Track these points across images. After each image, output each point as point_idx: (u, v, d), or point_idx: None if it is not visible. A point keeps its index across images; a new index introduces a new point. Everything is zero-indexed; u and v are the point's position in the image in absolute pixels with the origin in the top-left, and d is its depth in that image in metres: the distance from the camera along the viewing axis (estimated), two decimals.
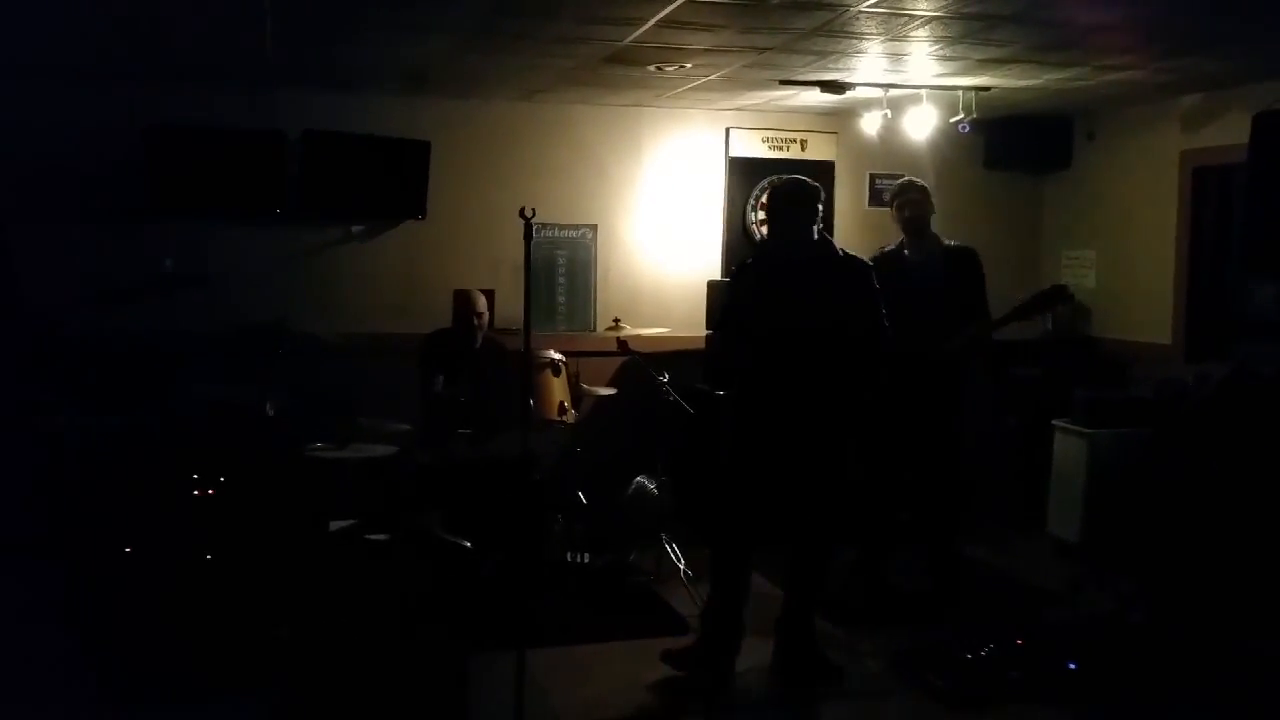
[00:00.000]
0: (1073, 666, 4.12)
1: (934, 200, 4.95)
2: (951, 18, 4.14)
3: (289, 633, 3.34)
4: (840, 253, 4.18)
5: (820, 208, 4.10)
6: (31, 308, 5.25)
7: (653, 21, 4.25)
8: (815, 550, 4.23)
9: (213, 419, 5.01)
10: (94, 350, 5.37)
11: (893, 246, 4.99)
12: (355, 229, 6.01)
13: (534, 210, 3.28)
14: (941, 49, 4.71)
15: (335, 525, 2.87)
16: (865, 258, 5.06)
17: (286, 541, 4.08)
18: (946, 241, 4.96)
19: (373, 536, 2.81)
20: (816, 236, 4.12)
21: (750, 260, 4.41)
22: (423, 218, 6.05)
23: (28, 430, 4.90)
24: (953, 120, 5.75)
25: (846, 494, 4.20)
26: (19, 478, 4.77)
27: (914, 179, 5.02)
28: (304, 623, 3.27)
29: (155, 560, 4.53)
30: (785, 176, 4.45)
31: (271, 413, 4.73)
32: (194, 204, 5.70)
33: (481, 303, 5.41)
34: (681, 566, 5.00)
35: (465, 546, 2.84)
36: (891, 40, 4.55)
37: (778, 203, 4.18)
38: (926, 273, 4.80)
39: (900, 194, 4.94)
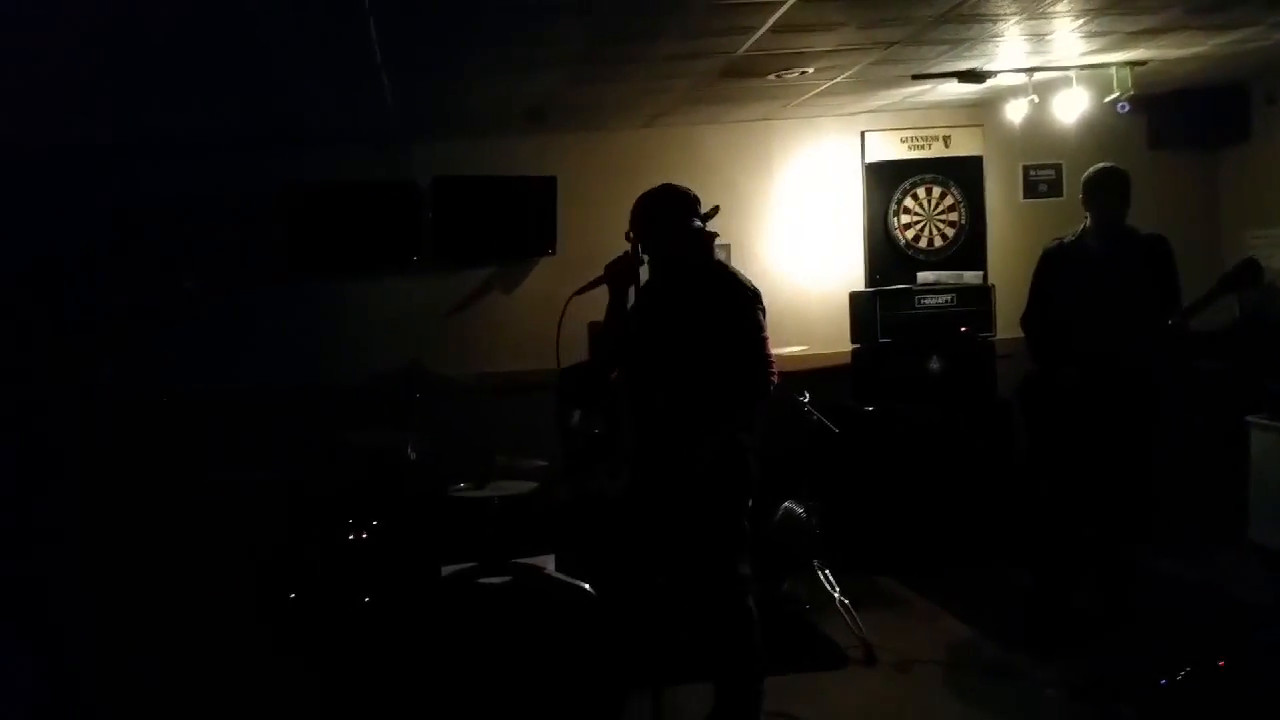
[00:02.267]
0: None
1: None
2: None
3: (441, 673, 3.30)
4: (720, 269, 3.72)
5: (692, 213, 3.65)
6: (180, 368, 5.49)
7: (764, 28, 4.08)
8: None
9: (361, 465, 5.12)
10: (247, 404, 5.56)
11: (1071, 237, 4.62)
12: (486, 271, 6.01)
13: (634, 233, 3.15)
14: (1086, 24, 4.36)
15: (447, 569, 2.81)
16: (1038, 253, 4.76)
17: (433, 582, 4.09)
18: (1134, 229, 4.56)
19: (489, 579, 2.73)
20: (689, 250, 3.67)
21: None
22: (553, 253, 6.03)
23: (191, 485, 5.11)
24: (1108, 100, 5.34)
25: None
26: (186, 531, 4.97)
27: (1106, 169, 4.58)
28: (454, 663, 3.22)
29: (318, 605, 4.66)
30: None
31: (413, 456, 4.78)
32: (332, 259, 5.84)
33: None
34: (837, 595, 4.74)
35: (581, 587, 2.73)
36: (1029, 20, 4.24)
37: (634, 217, 3.70)
38: (1117, 265, 4.43)
39: (1089, 191, 4.55)
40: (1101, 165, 4.63)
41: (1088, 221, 4.58)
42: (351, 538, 4.85)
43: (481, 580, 2.74)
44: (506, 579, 2.73)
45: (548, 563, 2.83)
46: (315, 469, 5.19)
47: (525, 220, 6.00)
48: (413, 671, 3.29)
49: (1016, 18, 4.21)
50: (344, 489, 5.07)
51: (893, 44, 4.51)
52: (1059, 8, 4.08)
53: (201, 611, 4.71)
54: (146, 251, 5.68)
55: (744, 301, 3.66)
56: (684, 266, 3.70)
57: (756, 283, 6.13)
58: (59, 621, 4.45)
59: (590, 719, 3.04)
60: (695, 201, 3.73)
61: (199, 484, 5.16)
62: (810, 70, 4.92)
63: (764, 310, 3.71)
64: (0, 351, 5.24)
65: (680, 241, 3.66)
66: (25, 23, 3.42)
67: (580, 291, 3.78)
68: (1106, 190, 4.49)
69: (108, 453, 5.03)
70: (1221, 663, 3.82)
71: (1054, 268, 4.65)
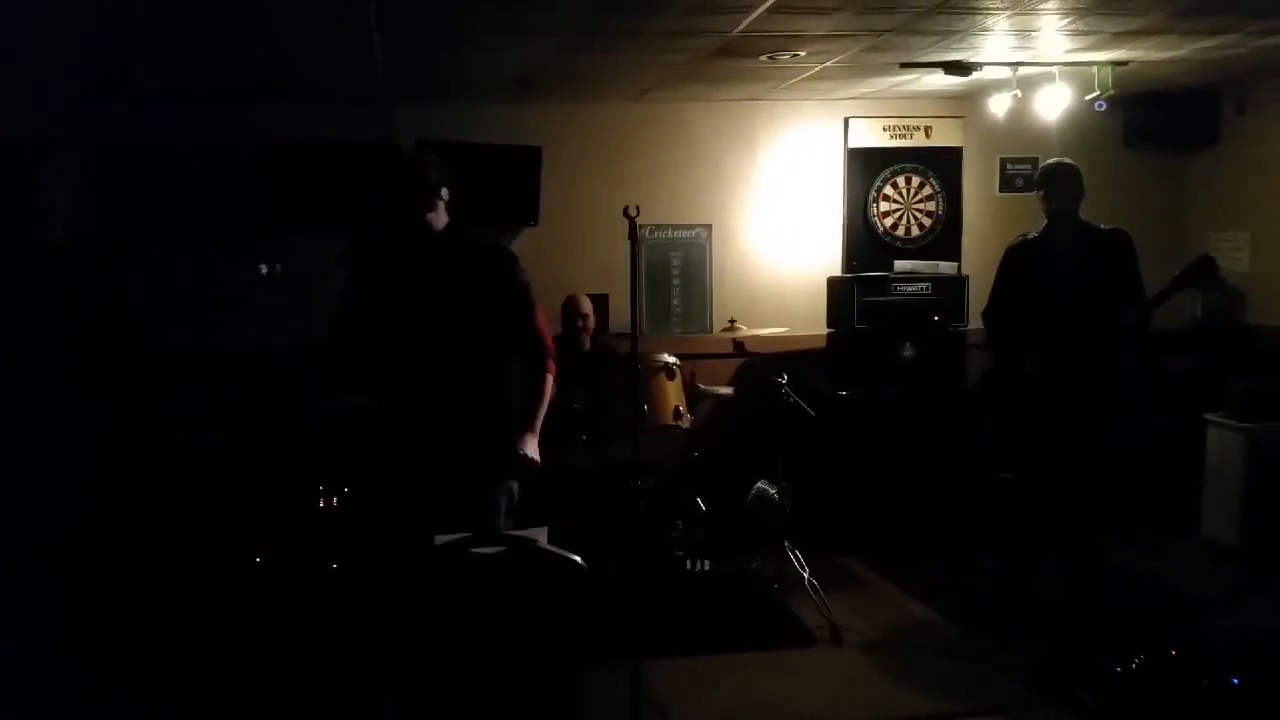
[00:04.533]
0: (1236, 682, 3.79)
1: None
2: None
3: (403, 646, 3.32)
4: (468, 240, 3.60)
5: (442, 188, 3.52)
6: (151, 324, 5.41)
7: (763, 8, 4.10)
8: None
9: (332, 432, 5.06)
10: (224, 363, 5.48)
11: (1036, 234, 4.68)
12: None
13: (638, 209, 3.16)
14: (1072, 22, 4.43)
15: (441, 539, 2.82)
16: (1006, 246, 4.79)
17: (396, 554, 4.09)
18: (1096, 225, 4.63)
19: (480, 550, 2.76)
20: (437, 224, 3.51)
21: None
22: (535, 224, 6.00)
23: (166, 443, 5.05)
24: (1088, 98, 5.44)
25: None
26: (158, 490, 4.92)
27: (1064, 161, 4.64)
28: (416, 636, 3.24)
29: (285, 569, 4.65)
30: None
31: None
32: (308, 219, 5.68)
33: (586, 306, 5.36)
34: (806, 575, 4.83)
35: (572, 559, 2.76)
36: (1018, 15, 4.31)
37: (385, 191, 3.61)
38: (1077, 260, 4.49)
39: (1050, 180, 4.59)
40: (1058, 158, 4.69)
41: (1047, 218, 4.64)
42: (321, 504, 4.83)
43: (475, 551, 2.77)
44: (499, 550, 2.76)
45: (540, 535, 2.86)
46: (294, 433, 5.15)
47: (508, 189, 5.96)
48: (393, 639, 3.33)
49: (1007, 13, 4.27)
50: (321, 454, 5.03)
51: (885, 31, 4.55)
52: (1048, 5, 4.14)
53: (177, 574, 4.68)
54: (140, 203, 5.57)
55: (506, 273, 3.56)
56: (422, 243, 3.55)
57: (738, 264, 6.29)
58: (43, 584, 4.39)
59: (564, 687, 3.09)
60: (416, 167, 3.59)
61: (181, 445, 5.12)
62: (803, 53, 4.95)
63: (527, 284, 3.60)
64: None
65: (418, 221, 3.52)
66: None
67: None
68: (1067, 178, 4.54)
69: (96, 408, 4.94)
70: (1174, 652, 3.94)
71: (1018, 264, 4.71)
